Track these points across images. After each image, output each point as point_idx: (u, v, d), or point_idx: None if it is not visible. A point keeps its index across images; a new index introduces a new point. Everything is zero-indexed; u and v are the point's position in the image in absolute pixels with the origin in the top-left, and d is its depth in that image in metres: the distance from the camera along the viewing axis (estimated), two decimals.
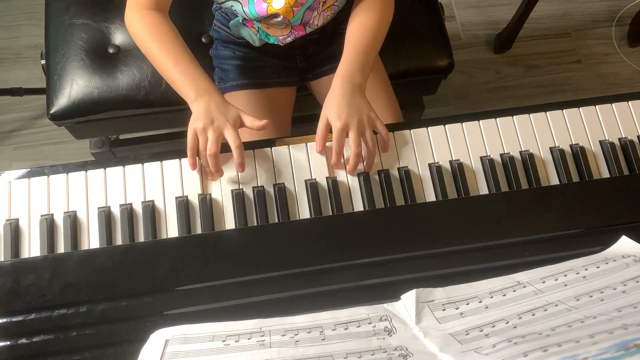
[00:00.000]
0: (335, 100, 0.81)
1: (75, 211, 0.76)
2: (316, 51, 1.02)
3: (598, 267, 0.62)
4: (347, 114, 0.79)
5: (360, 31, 0.87)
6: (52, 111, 1.08)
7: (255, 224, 0.77)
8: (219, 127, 0.78)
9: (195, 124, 0.78)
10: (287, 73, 1.03)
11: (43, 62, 1.14)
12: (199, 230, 0.76)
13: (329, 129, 0.81)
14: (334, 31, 0.99)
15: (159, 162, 0.80)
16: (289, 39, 0.95)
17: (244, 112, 0.81)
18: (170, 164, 0.80)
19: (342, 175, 0.81)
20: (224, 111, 0.79)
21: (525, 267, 0.64)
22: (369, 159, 0.80)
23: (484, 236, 0.69)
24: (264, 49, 0.99)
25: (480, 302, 0.59)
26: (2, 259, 0.74)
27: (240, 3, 0.88)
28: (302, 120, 1.11)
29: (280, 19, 0.88)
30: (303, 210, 0.78)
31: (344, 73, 0.84)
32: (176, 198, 0.78)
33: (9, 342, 0.60)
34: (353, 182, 0.80)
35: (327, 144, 0.82)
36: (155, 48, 0.83)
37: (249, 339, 0.56)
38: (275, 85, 1.02)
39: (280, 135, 0.90)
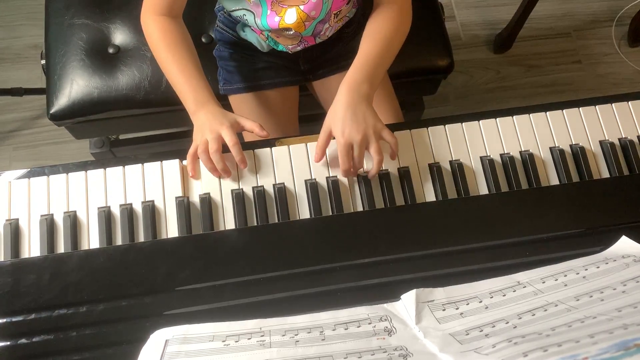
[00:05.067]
0: (340, 113, 0.79)
1: (75, 211, 0.76)
2: (319, 54, 1.02)
3: (598, 267, 0.62)
4: (351, 128, 0.77)
5: (373, 40, 0.85)
6: (52, 111, 1.08)
7: (255, 224, 0.77)
8: (215, 130, 0.79)
9: (196, 138, 0.81)
10: (290, 73, 1.03)
11: (43, 62, 1.14)
12: (199, 230, 0.76)
13: (330, 139, 0.80)
14: (338, 35, 0.99)
15: (159, 162, 0.80)
16: (299, 48, 0.96)
17: (243, 117, 0.83)
18: (170, 164, 0.80)
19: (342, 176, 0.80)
20: (219, 117, 0.80)
21: (525, 267, 0.64)
22: (373, 169, 0.79)
23: (484, 236, 0.69)
24: (268, 52, 0.99)
25: (480, 302, 0.59)
26: (2, 259, 0.74)
27: (253, 14, 0.88)
28: (302, 120, 1.11)
29: (292, 32, 0.88)
30: (303, 210, 0.78)
31: (350, 82, 0.81)
32: (176, 198, 0.78)
33: (9, 342, 0.61)
34: (353, 183, 0.80)
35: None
36: (164, 56, 0.84)
37: (249, 339, 0.56)
38: (280, 86, 1.02)
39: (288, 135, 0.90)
